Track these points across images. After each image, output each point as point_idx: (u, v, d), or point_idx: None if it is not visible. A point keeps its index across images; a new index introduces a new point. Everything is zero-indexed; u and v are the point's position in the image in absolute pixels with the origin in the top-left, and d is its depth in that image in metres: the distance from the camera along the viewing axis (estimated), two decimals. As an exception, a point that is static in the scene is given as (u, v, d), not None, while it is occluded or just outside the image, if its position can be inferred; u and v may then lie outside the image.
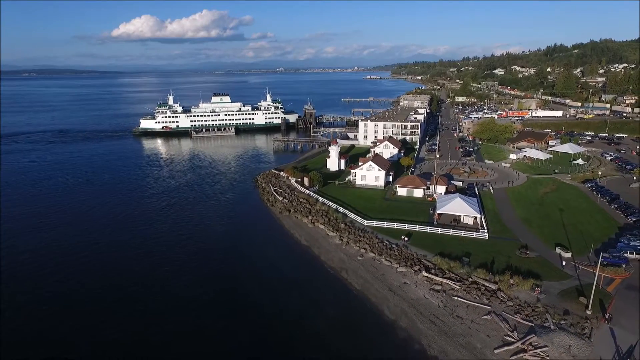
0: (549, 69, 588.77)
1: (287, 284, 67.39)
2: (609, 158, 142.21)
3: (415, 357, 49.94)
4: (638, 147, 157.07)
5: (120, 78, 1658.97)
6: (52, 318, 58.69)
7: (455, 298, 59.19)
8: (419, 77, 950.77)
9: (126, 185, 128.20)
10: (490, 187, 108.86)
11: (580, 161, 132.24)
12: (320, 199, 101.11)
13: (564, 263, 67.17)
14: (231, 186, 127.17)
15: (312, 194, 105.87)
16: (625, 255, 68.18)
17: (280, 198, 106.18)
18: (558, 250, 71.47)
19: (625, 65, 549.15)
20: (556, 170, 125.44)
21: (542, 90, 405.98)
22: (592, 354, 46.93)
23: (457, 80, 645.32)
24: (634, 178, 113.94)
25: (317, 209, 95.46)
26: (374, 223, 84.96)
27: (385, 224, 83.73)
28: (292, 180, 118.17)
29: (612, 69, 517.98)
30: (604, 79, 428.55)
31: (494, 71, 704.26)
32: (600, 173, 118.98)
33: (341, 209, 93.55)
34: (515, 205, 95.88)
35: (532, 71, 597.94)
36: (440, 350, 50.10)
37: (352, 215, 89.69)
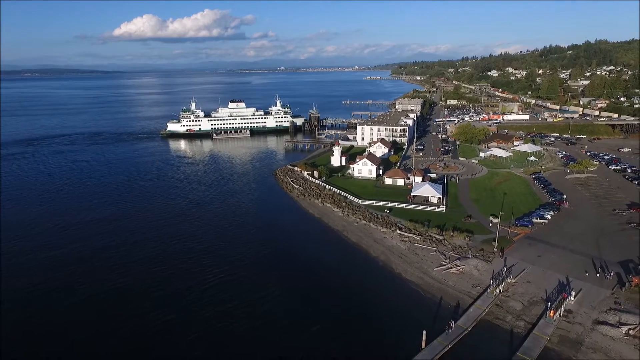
0: (540, 71, 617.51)
1: (307, 240, 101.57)
2: (560, 155, 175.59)
3: (388, 273, 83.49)
4: (586, 146, 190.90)
5: (124, 78, 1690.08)
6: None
7: (416, 244, 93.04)
8: (418, 78, 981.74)
9: (172, 179, 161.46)
10: (457, 178, 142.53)
11: (533, 158, 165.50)
12: (327, 186, 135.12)
13: (490, 225, 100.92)
14: (255, 178, 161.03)
15: (320, 183, 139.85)
16: (533, 220, 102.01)
17: (297, 186, 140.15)
18: (490, 217, 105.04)
19: (612, 67, 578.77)
20: (512, 166, 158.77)
21: (529, 92, 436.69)
22: (488, 269, 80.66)
23: (454, 82, 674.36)
24: (568, 171, 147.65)
25: (325, 193, 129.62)
26: (367, 202, 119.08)
27: (374, 202, 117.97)
28: (305, 173, 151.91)
29: (599, 72, 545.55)
30: (588, 82, 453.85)
31: (489, 73, 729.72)
32: (543, 167, 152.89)
33: (343, 193, 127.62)
34: (471, 190, 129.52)
35: (524, 73, 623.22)
36: (402, 269, 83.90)
37: (351, 197, 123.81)
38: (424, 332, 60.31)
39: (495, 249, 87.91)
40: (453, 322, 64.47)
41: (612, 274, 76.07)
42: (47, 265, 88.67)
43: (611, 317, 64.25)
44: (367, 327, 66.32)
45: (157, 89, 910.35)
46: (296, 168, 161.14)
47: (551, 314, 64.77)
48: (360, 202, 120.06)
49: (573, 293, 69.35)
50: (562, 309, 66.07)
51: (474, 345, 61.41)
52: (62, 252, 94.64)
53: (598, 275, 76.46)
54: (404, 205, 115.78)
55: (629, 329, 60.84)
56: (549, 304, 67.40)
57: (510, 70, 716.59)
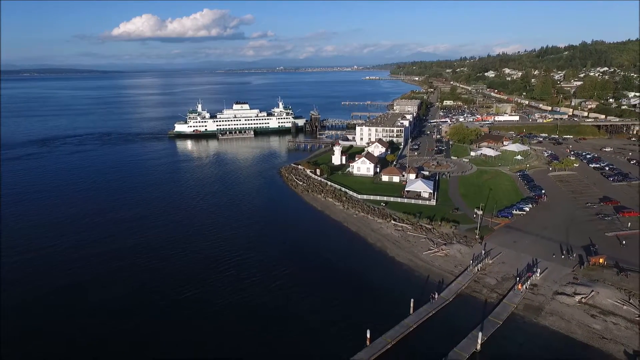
0: (535, 72, 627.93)
1: (312, 230, 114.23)
2: (546, 154, 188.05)
3: (383, 256, 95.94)
4: (571, 146, 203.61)
5: (123, 78, 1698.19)
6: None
7: (408, 233, 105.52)
8: (416, 78, 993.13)
9: (188, 180, 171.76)
10: (448, 175, 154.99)
11: (519, 157, 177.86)
12: (329, 183, 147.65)
13: (475, 216, 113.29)
14: (261, 176, 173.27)
15: (322, 180, 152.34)
16: (513, 211, 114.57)
17: (301, 183, 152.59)
18: (475, 210, 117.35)
19: (605, 68, 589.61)
20: (500, 164, 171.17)
21: (524, 93, 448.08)
22: (470, 252, 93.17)
23: (451, 82, 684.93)
24: (550, 169, 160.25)
25: (327, 189, 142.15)
26: (365, 196, 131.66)
27: (371, 197, 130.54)
28: (308, 171, 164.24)
29: (592, 73, 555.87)
30: (581, 83, 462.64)
31: (486, 74, 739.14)
32: (528, 165, 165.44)
33: (343, 189, 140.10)
34: (460, 186, 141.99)
35: (520, 74, 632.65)
36: (395, 254, 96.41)
37: (350, 192, 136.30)
38: (412, 300, 72.71)
39: (477, 236, 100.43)
40: (437, 293, 76.88)
41: (574, 255, 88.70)
42: (90, 261, 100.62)
43: (569, 289, 76.75)
44: (364, 298, 78.74)
45: (159, 90, 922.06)
46: (299, 166, 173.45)
47: (519, 287, 77.27)
48: (359, 196, 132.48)
49: (539, 271, 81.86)
50: (529, 283, 78.58)
51: (453, 311, 73.77)
52: (97, 249, 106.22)
53: (563, 257, 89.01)
54: (399, 200, 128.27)
55: (581, 297, 73.31)
56: (518, 279, 79.96)
57: (507, 71, 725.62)
